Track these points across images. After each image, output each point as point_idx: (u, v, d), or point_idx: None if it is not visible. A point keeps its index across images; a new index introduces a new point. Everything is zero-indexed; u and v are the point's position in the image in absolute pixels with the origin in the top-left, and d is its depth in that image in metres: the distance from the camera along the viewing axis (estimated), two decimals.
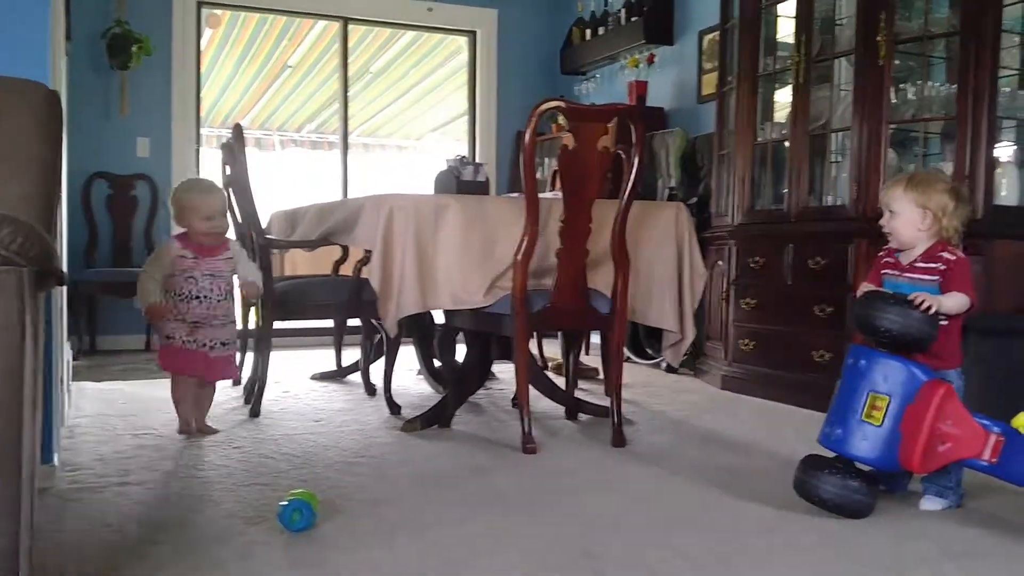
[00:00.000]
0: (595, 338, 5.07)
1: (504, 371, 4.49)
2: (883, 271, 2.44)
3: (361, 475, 2.62)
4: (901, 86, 3.70)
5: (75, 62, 5.46)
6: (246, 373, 4.09)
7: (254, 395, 3.57)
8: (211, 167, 5.93)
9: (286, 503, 2.07)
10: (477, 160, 6.48)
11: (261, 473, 2.63)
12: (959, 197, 2.36)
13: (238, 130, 3.54)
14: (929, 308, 2.20)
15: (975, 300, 2.29)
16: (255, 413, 3.50)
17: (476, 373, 3.66)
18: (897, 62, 3.69)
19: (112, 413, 3.56)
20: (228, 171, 3.79)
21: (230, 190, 3.86)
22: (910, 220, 2.35)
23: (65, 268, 3.64)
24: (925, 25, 3.58)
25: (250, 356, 3.96)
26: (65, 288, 3.87)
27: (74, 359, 5.09)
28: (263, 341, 3.59)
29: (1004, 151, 3.62)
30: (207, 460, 2.78)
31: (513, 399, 3.72)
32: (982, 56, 3.34)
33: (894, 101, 3.66)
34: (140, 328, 5.80)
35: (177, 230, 3.26)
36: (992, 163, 3.39)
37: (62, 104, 2.02)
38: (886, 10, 3.58)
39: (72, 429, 3.23)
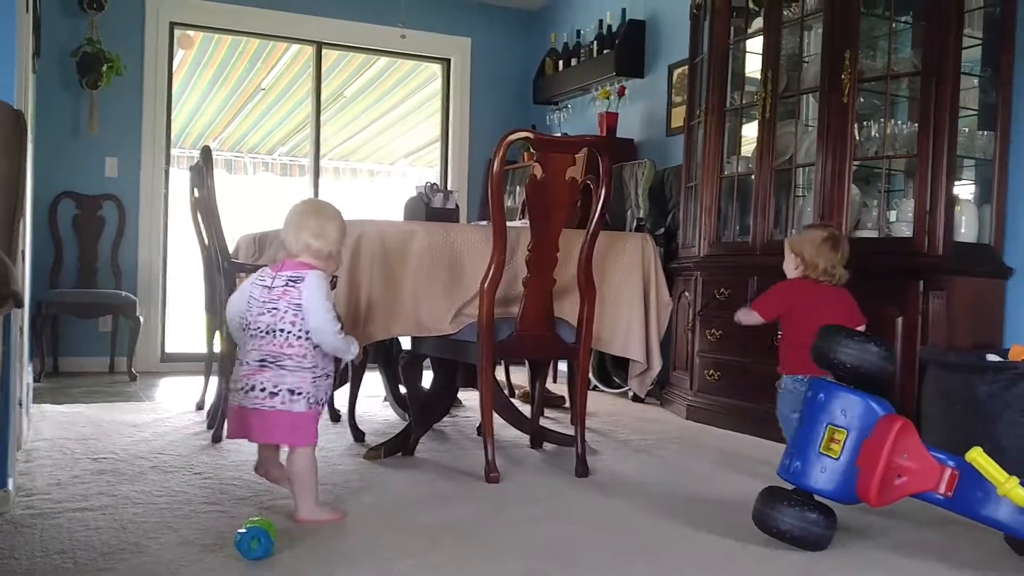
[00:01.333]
0: (562, 366, 5.08)
1: (470, 398, 4.48)
2: None
3: (322, 502, 2.60)
4: (865, 123, 3.77)
5: (44, 80, 5.42)
6: (209, 397, 4.06)
7: (217, 420, 3.53)
8: (180, 188, 5.91)
9: (244, 531, 2.05)
10: (449, 187, 6.51)
11: (220, 500, 2.60)
12: (833, 244, 2.97)
13: (206, 152, 3.54)
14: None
15: (761, 312, 3.01)
16: (217, 438, 3.47)
17: (441, 400, 3.66)
18: (861, 100, 3.77)
19: (72, 437, 3.50)
20: (196, 193, 3.78)
21: (197, 213, 3.84)
22: (787, 262, 3.05)
23: (29, 288, 3.60)
24: (888, 65, 3.66)
25: (214, 380, 3.93)
26: (28, 308, 3.83)
27: (36, 381, 5.02)
28: (226, 365, 3.56)
29: (964, 189, 3.69)
30: (166, 486, 2.75)
31: (478, 427, 3.71)
32: (942, 96, 3.41)
33: (858, 138, 3.73)
34: (104, 350, 5.75)
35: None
36: (952, 200, 3.46)
37: (27, 123, 2.01)
38: (851, 49, 3.65)
39: (29, 453, 3.18)
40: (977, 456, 2.06)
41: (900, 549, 2.30)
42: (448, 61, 6.97)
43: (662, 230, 5.09)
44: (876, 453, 2.15)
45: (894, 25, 3.73)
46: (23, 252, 2.69)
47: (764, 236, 4.06)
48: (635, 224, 5.31)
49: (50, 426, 3.72)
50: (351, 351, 2.39)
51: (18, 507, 2.45)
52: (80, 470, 2.93)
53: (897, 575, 2.10)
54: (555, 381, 5.16)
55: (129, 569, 1.97)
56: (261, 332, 2.32)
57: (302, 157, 8.13)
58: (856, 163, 3.74)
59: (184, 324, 6.49)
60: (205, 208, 3.61)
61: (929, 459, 2.15)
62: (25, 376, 3.48)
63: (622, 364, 5.02)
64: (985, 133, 3.61)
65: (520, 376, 5.04)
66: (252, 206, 8.25)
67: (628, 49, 5.76)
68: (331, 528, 2.33)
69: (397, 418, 4.10)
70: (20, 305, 1.51)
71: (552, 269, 3.04)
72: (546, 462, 3.29)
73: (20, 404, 2.98)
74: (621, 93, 5.82)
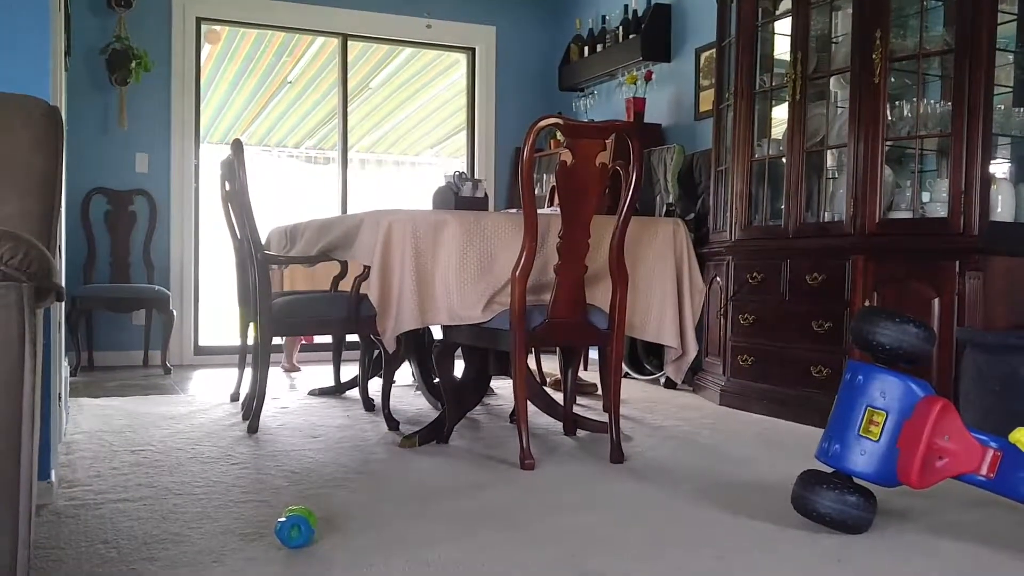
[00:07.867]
0: (593, 353, 5.07)
1: (503, 387, 4.50)
2: None
3: (359, 491, 2.62)
4: (897, 103, 3.72)
5: (74, 77, 5.48)
6: (244, 388, 4.09)
7: (252, 411, 3.57)
8: (210, 182, 5.95)
9: (284, 519, 2.06)
10: (476, 176, 6.51)
11: (259, 489, 2.62)
12: None
13: (238, 145, 3.55)
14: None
15: None
16: (253, 429, 3.50)
17: (474, 389, 3.66)
18: (892, 80, 3.72)
19: (109, 429, 3.55)
20: (227, 187, 3.80)
21: (229, 205, 3.87)
22: None
23: (63, 283, 3.65)
24: (920, 43, 3.60)
25: (248, 371, 3.97)
26: (63, 303, 3.88)
27: (71, 375, 5.09)
28: (261, 356, 3.59)
29: (999, 168, 3.64)
30: (204, 476, 2.78)
31: (511, 415, 3.72)
32: (976, 74, 3.35)
33: (890, 118, 3.68)
34: (138, 344, 5.82)
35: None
36: (987, 179, 3.40)
37: (62, 120, 2.03)
38: (881, 28, 3.60)
39: (69, 445, 3.22)
40: (1021, 436, 2.03)
41: (941, 531, 2.28)
42: (473, 50, 6.96)
43: (692, 215, 5.06)
44: (917, 435, 2.13)
45: (925, 2, 3.67)
46: (59, 248, 2.72)
47: (796, 219, 4.03)
48: (665, 209, 5.28)
49: (88, 419, 3.77)
50: None
51: (61, 498, 2.49)
52: (119, 462, 2.97)
53: (938, 558, 2.08)
54: (586, 368, 5.16)
55: (171, 558, 2.00)
56: None
57: (329, 149, 8.16)
58: (888, 144, 3.69)
59: (217, 317, 6.54)
60: (237, 201, 3.63)
61: (971, 440, 2.13)
62: (62, 370, 3.53)
63: (654, 350, 5.01)
64: (1021, 110, 3.56)
65: (551, 364, 5.04)
66: (282, 199, 8.29)
67: (654, 33, 5.72)
68: (370, 516, 2.34)
69: (430, 407, 4.12)
70: (61, 299, 1.53)
71: (583, 256, 3.03)
72: (580, 449, 3.29)
73: (59, 398, 3.02)
74: (648, 78, 5.79)
